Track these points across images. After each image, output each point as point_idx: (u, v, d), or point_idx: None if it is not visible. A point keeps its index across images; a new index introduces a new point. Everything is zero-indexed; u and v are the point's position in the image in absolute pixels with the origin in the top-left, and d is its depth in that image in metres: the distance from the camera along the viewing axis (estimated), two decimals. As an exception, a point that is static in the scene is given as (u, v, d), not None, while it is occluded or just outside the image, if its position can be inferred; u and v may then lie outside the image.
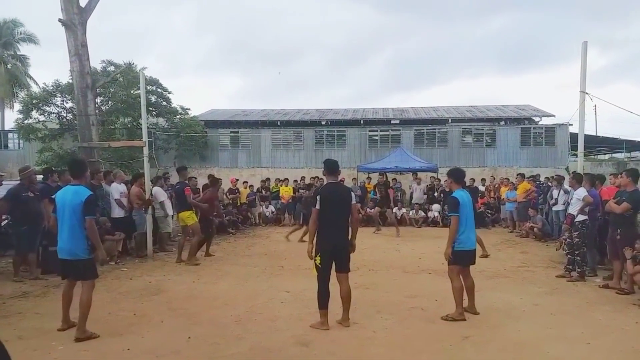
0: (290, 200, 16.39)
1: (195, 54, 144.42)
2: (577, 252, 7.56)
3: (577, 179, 7.95)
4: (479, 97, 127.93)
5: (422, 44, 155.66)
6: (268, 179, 18.00)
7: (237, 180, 17.07)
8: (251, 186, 16.91)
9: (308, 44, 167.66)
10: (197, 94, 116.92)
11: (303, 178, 17.46)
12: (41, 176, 8.73)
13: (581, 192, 7.62)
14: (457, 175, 5.87)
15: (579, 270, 7.53)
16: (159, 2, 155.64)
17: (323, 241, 5.07)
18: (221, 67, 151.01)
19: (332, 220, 5.09)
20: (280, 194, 16.62)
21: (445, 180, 16.95)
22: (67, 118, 21.39)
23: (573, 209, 7.70)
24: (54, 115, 21.59)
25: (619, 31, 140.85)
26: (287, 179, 17.14)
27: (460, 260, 5.49)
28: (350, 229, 5.24)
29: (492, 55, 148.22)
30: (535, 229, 12.27)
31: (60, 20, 12.44)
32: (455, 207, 5.47)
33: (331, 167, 5.29)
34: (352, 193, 5.21)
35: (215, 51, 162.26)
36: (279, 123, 25.94)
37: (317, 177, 17.11)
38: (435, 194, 16.29)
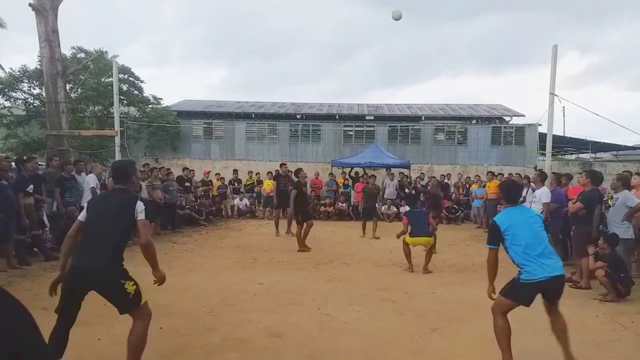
0: (272, 194, 16.28)
1: (182, 45, 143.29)
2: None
3: (542, 178, 8.20)
4: (458, 96, 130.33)
5: (408, 43, 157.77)
6: (236, 171, 17.92)
7: (210, 172, 16.95)
8: (222, 178, 16.79)
9: (297, 38, 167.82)
10: (182, 84, 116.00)
11: (277, 171, 17.38)
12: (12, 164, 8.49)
13: (544, 191, 7.89)
14: (507, 191, 4.22)
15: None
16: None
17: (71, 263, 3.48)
18: (207, 59, 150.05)
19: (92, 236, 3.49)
20: (263, 187, 16.51)
21: (430, 181, 17.02)
22: (34, 105, 20.79)
23: (536, 207, 7.94)
24: (21, 101, 20.96)
25: (598, 37, 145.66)
26: (270, 172, 17.00)
27: (520, 294, 3.87)
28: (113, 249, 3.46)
29: (474, 56, 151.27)
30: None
31: (30, 4, 12.06)
32: (492, 237, 3.98)
33: (115, 173, 3.84)
34: (140, 204, 3.52)
35: (202, 43, 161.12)
36: (253, 115, 25.79)
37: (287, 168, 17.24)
38: (407, 191, 16.50)
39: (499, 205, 13.25)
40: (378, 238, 11.48)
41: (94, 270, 3.38)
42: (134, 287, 3.49)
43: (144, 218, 3.49)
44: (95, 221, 3.51)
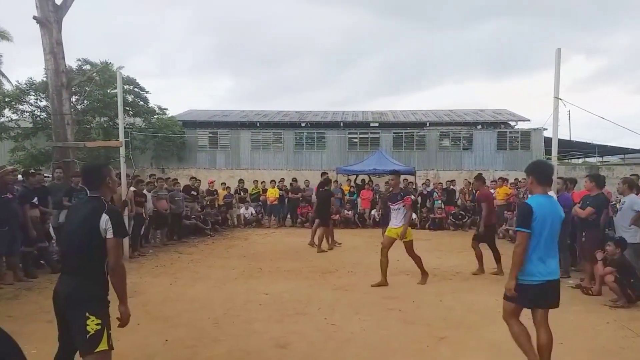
0: (276, 202, 16.39)
1: (189, 55, 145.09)
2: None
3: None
4: (463, 102, 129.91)
5: (412, 50, 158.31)
6: (242, 180, 17.94)
7: (214, 182, 16.99)
8: (228, 188, 16.83)
9: (301, 47, 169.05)
10: (188, 95, 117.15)
11: (282, 180, 17.43)
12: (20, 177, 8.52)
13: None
14: (539, 171, 3.81)
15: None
16: (155, 2, 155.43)
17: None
18: (213, 69, 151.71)
19: (64, 256, 3.26)
20: (267, 196, 16.58)
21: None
22: (41, 117, 20.96)
23: None
24: (27, 113, 21.14)
25: (605, 40, 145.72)
26: (273, 180, 17.08)
27: (519, 297, 3.72)
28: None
29: (479, 61, 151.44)
30: (510, 231, 12.48)
31: (35, 17, 12.19)
32: (524, 220, 3.62)
33: (85, 177, 3.44)
34: (104, 217, 2.95)
35: (209, 53, 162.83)
36: (258, 124, 25.87)
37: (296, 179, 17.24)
38: (412, 197, 16.41)
39: (506, 212, 13.18)
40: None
41: (66, 294, 2.95)
42: (98, 327, 2.92)
43: (112, 236, 2.94)
44: (64, 238, 3.16)
